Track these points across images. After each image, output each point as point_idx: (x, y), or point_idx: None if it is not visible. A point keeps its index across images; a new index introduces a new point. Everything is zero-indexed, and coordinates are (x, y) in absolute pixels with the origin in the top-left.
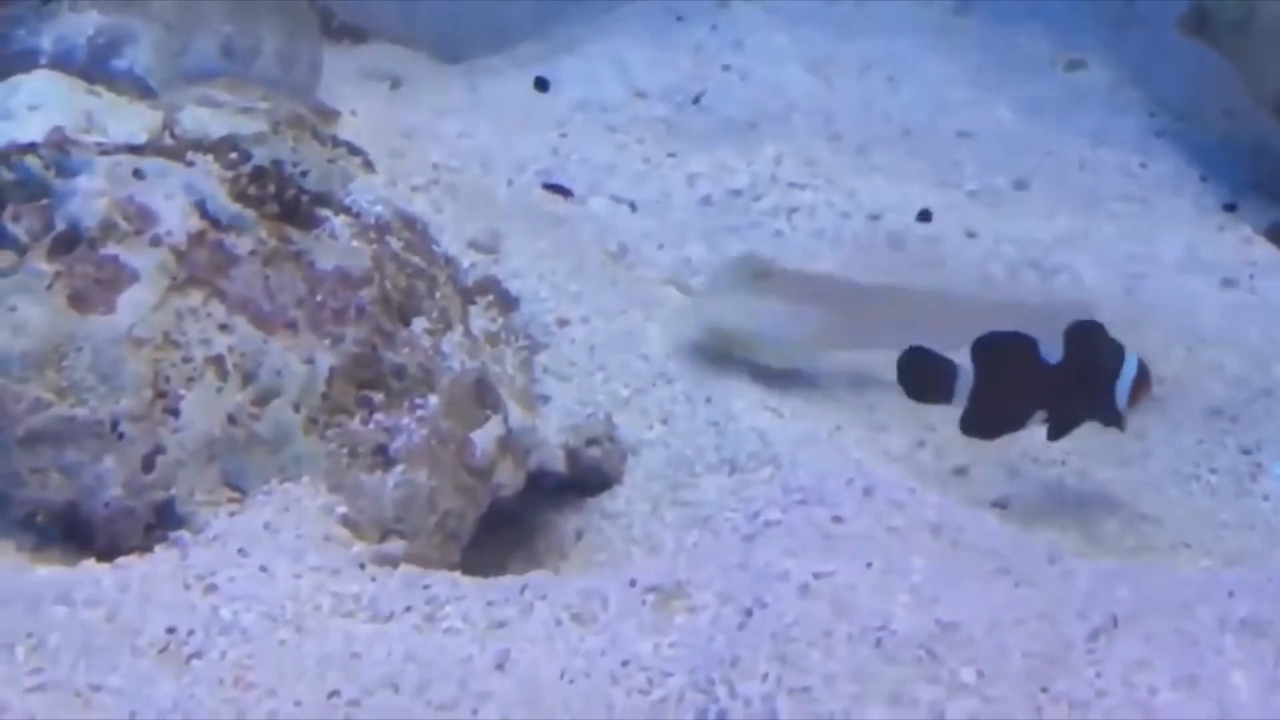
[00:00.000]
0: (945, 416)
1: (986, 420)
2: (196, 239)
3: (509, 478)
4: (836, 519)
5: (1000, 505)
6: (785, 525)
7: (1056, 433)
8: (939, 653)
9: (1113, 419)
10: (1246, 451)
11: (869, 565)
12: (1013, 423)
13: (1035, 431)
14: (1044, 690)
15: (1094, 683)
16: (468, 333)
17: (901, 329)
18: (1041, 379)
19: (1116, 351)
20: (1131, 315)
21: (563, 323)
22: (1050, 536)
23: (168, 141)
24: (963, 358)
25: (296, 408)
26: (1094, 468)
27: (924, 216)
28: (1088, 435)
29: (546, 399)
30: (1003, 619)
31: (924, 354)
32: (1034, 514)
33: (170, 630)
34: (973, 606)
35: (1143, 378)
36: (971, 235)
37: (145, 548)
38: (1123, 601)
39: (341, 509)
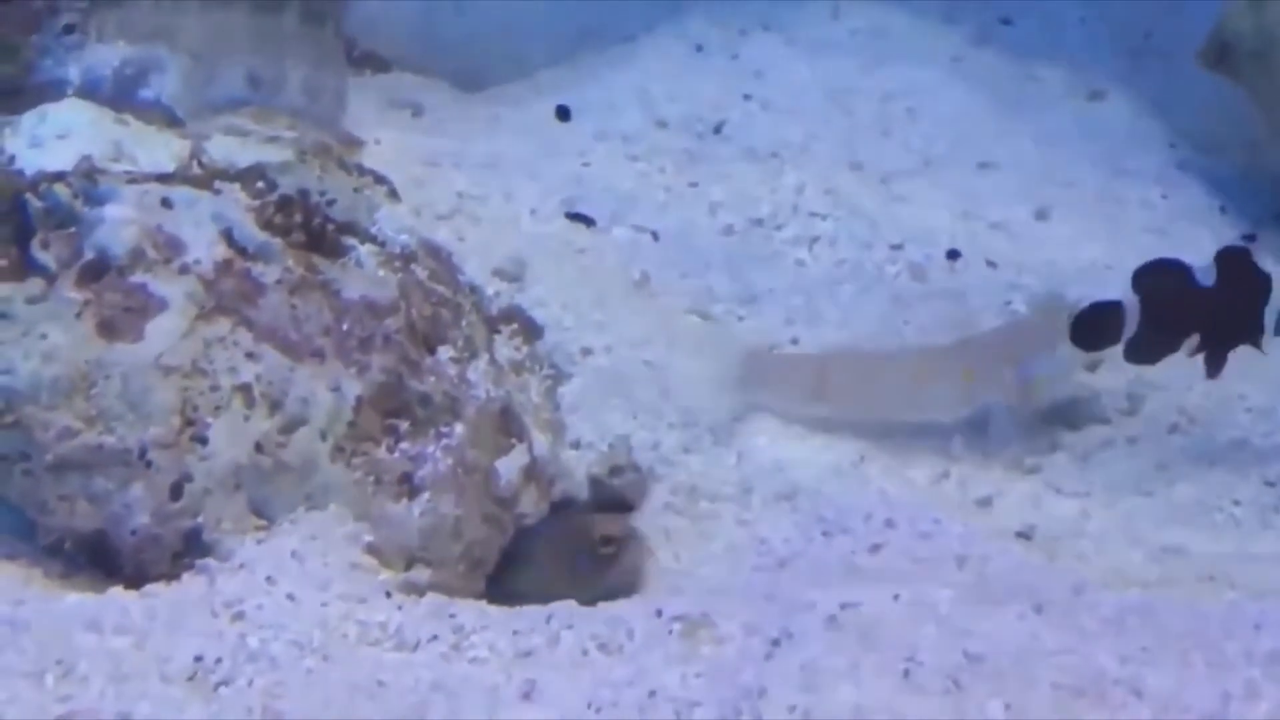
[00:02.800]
0: (967, 447)
1: (1147, 347)
2: (224, 268)
3: (533, 506)
4: (862, 550)
5: (1025, 536)
6: (810, 556)
7: (1214, 367)
8: (966, 684)
9: (1255, 339)
10: (1270, 484)
11: (896, 596)
12: (1170, 348)
13: (1059, 460)
14: None
15: (1122, 715)
16: (493, 361)
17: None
18: (1196, 304)
19: (1266, 277)
20: None
21: (586, 351)
22: (1075, 568)
23: (195, 170)
24: (1127, 295)
25: (323, 436)
26: (1117, 499)
27: (953, 255)
28: (1111, 465)
29: (570, 429)
30: (1030, 650)
31: (1094, 305)
32: (1058, 545)
33: (198, 658)
34: (1000, 637)
35: None
36: (993, 265)
37: (173, 575)
38: (1149, 633)
39: (368, 537)
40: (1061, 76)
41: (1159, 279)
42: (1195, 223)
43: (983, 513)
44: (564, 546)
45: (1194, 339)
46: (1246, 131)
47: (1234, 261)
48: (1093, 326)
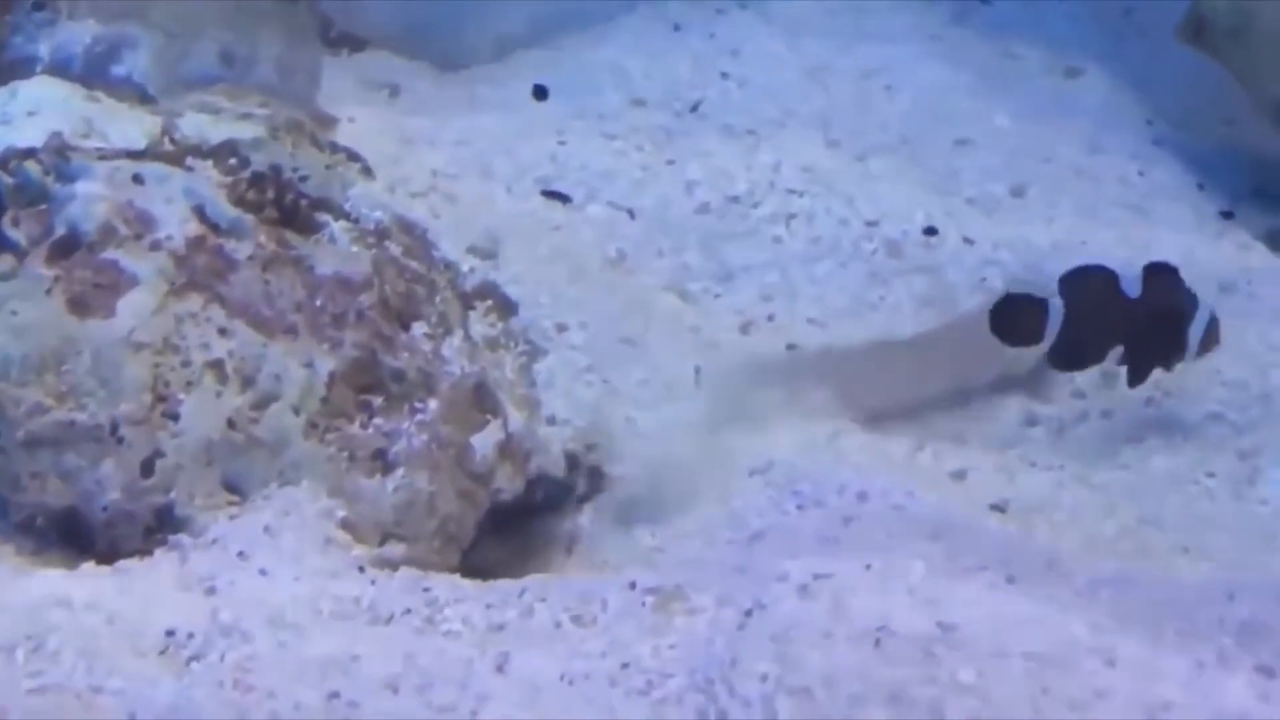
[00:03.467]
0: (942, 417)
1: (1072, 354)
2: (196, 244)
3: (508, 482)
4: (835, 522)
5: (998, 508)
6: (784, 528)
7: (1136, 378)
8: (938, 653)
9: (1177, 356)
10: (1244, 456)
11: (868, 567)
12: (1095, 357)
13: (1036, 434)
14: (1044, 691)
15: (1094, 684)
16: (467, 337)
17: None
18: (1122, 313)
19: (1192, 296)
20: None
21: (562, 328)
22: (1048, 540)
23: (167, 147)
24: (1052, 294)
25: (296, 412)
26: (1092, 472)
27: (930, 232)
28: (1086, 438)
29: (545, 405)
30: (1002, 620)
31: (1016, 298)
32: (1032, 517)
33: (170, 633)
34: (972, 608)
35: (1213, 328)
36: (969, 242)
37: (145, 551)
38: (1122, 604)
39: (341, 513)
40: (1039, 54)
41: (1086, 284)
42: (1173, 199)
43: (957, 486)
44: None
45: (1118, 350)
46: (1224, 108)
47: (1162, 277)
48: (1014, 319)
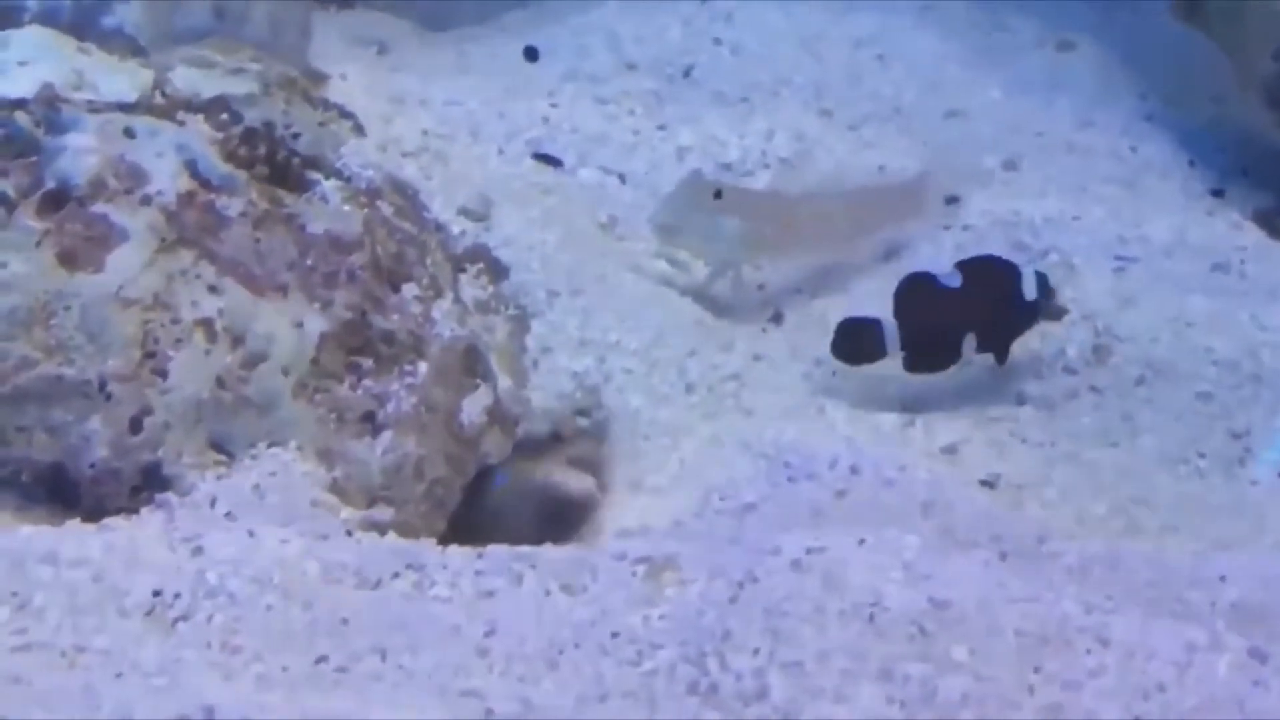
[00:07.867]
0: (935, 393)
1: (924, 359)
2: (187, 199)
3: (496, 447)
4: (827, 496)
5: (989, 484)
6: (776, 501)
7: (1001, 357)
8: (931, 630)
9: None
10: (1235, 436)
11: (861, 542)
12: (951, 353)
13: (1024, 410)
14: (1036, 670)
15: (1086, 662)
16: (458, 300)
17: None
18: (953, 303)
19: (1008, 263)
20: (1121, 297)
21: (553, 293)
22: (1039, 516)
23: (158, 101)
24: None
25: (285, 372)
26: (1082, 449)
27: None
28: (1077, 416)
29: (535, 368)
30: (994, 597)
31: (853, 320)
32: (1022, 494)
33: (156, 593)
34: (965, 584)
35: (1043, 281)
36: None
37: (131, 509)
38: (1113, 582)
39: (329, 475)
40: (1032, 26)
41: (910, 294)
42: (1164, 176)
43: (948, 460)
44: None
45: (970, 340)
46: (1215, 85)
47: (974, 264)
48: (852, 342)
